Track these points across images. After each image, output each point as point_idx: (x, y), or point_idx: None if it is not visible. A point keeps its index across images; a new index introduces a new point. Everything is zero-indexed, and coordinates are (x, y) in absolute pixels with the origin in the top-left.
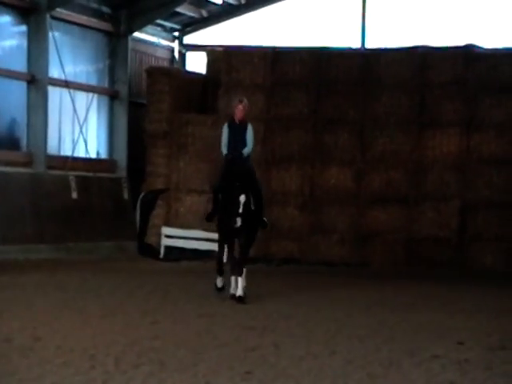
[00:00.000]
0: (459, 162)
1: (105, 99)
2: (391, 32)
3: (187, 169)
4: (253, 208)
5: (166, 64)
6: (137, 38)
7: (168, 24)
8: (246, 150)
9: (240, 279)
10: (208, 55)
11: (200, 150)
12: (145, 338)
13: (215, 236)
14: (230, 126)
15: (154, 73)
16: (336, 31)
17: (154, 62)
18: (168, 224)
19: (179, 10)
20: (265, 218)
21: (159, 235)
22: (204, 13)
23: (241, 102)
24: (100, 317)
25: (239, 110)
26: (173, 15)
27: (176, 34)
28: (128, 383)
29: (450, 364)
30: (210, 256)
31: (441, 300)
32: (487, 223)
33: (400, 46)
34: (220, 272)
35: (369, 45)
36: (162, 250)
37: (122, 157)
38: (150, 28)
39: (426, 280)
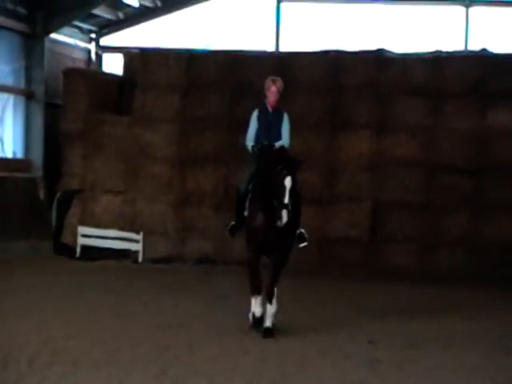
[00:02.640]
0: (371, 164)
1: (21, 99)
2: (305, 36)
3: (103, 169)
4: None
5: (82, 65)
6: (53, 39)
7: (85, 26)
8: (280, 144)
9: (269, 306)
10: (124, 57)
11: (116, 150)
12: (59, 337)
13: (131, 235)
14: (260, 114)
15: (71, 74)
16: (251, 35)
17: (70, 63)
18: (84, 223)
19: (96, 11)
20: (303, 230)
21: (75, 235)
22: (120, 15)
23: (274, 82)
24: (14, 317)
25: (272, 93)
26: (89, 17)
27: (93, 35)
28: (41, 383)
29: (362, 363)
30: (125, 255)
31: (352, 299)
32: (399, 224)
33: (314, 50)
34: (258, 290)
35: (283, 48)
36: (79, 250)
37: (37, 156)
38: (66, 29)
39: (337, 279)
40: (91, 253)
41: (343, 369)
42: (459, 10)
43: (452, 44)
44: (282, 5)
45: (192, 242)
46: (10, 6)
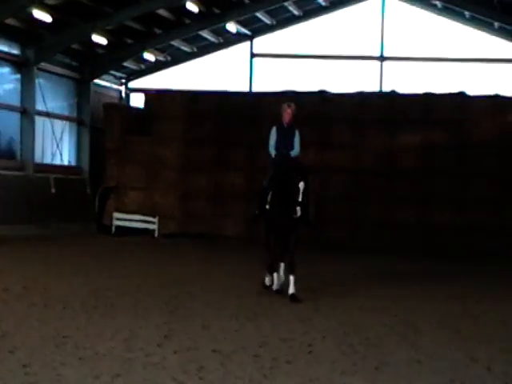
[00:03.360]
0: (316, 170)
1: (74, 125)
2: (271, 82)
3: (131, 173)
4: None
5: (116, 101)
6: (96, 83)
7: (117, 73)
8: (294, 153)
9: (291, 277)
10: (145, 96)
11: (139, 160)
12: (102, 288)
13: (149, 218)
14: (278, 129)
15: (108, 107)
16: (231, 82)
17: (108, 100)
18: (118, 210)
19: (125, 64)
20: (310, 218)
21: (112, 218)
22: (142, 66)
23: (289, 106)
24: (71, 274)
25: (288, 114)
26: (121, 67)
27: (123, 80)
28: (89, 319)
29: (309, 307)
30: (146, 232)
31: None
32: (335, 211)
33: (277, 91)
34: (271, 270)
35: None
36: (114, 229)
37: (85, 164)
38: (105, 76)
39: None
40: (122, 231)
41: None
42: (375, 63)
43: (371, 87)
44: (255, 59)
45: (192, 223)
46: (66, 60)
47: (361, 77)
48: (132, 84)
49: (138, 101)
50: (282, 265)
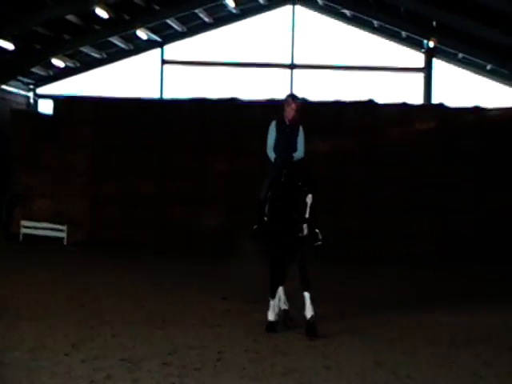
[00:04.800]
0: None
1: None
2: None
3: (39, 180)
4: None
5: (24, 107)
6: (3, 89)
7: (25, 79)
8: (297, 155)
9: (307, 294)
10: (54, 102)
11: (48, 167)
12: (8, 296)
13: (58, 226)
14: (278, 127)
15: (16, 113)
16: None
17: (15, 106)
18: (25, 218)
19: (33, 70)
20: (317, 231)
21: (19, 226)
22: (51, 72)
23: (294, 100)
24: None
25: (291, 109)
26: (29, 73)
27: (31, 86)
28: None
29: (218, 313)
30: (54, 240)
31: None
32: (244, 218)
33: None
34: (273, 293)
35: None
36: (21, 237)
37: None
38: (12, 82)
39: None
40: (30, 239)
41: (205, 318)
42: (286, 71)
43: (281, 95)
44: (165, 66)
45: (102, 231)
46: None
47: (271, 84)
48: (41, 90)
49: (46, 107)
50: (281, 289)
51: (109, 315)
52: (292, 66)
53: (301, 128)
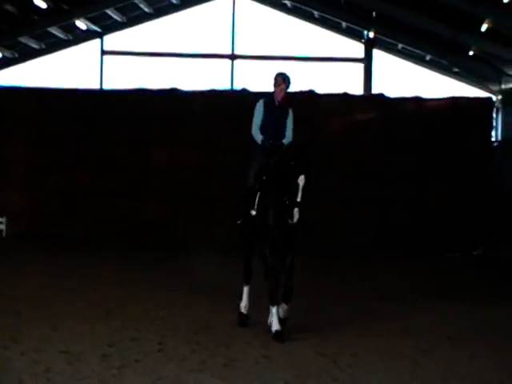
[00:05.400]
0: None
1: None
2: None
3: None
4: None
5: None
6: None
7: None
8: (285, 141)
9: (285, 307)
10: None
11: None
12: None
13: None
14: (266, 107)
15: None
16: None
17: None
18: None
19: None
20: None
21: None
22: None
23: (284, 80)
24: None
25: (280, 90)
26: None
27: None
28: None
29: (161, 305)
30: None
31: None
32: (188, 209)
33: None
34: (275, 299)
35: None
36: None
37: None
38: None
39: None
40: None
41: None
42: (226, 61)
43: (222, 85)
44: (105, 57)
45: (42, 223)
46: None
47: (212, 75)
48: None
49: None
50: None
51: (48, 308)
52: (233, 57)
53: (290, 111)
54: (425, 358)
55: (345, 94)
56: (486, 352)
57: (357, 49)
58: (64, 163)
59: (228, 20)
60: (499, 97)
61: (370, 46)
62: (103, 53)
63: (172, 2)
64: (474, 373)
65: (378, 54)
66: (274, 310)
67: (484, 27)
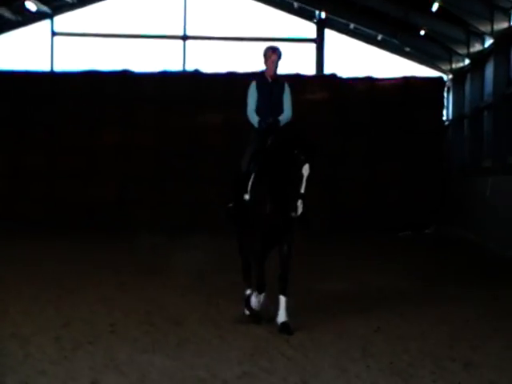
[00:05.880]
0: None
1: None
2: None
3: None
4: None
5: None
6: None
7: None
8: (284, 117)
9: (282, 298)
10: None
11: None
12: None
13: None
14: (259, 86)
15: None
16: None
17: None
18: None
19: None
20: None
21: None
22: None
23: (274, 51)
24: None
25: (272, 62)
26: None
27: None
28: None
29: (113, 287)
30: None
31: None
32: (139, 191)
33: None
34: (261, 288)
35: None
36: None
37: None
38: None
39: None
40: None
41: None
42: (178, 42)
43: (174, 66)
44: (56, 38)
45: None
46: None
47: (164, 56)
48: None
49: None
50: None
51: None
52: (185, 38)
53: (286, 85)
54: (377, 335)
55: (297, 75)
56: (437, 328)
57: (309, 29)
58: (14, 146)
59: (180, 1)
60: (450, 76)
61: (321, 26)
62: (53, 34)
63: None
64: (425, 348)
65: (329, 34)
66: (253, 300)
67: (435, 6)
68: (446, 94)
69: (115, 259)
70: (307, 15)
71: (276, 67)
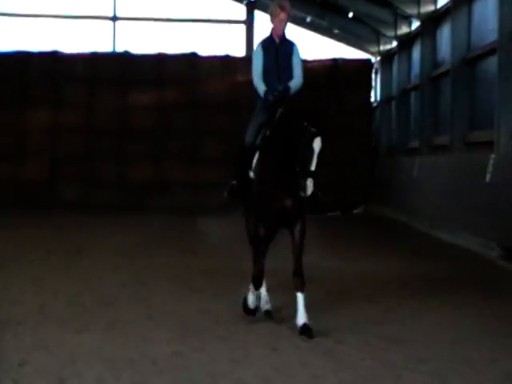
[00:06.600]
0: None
1: None
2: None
3: None
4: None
5: None
6: None
7: None
8: (295, 84)
9: (300, 296)
10: None
11: None
12: None
13: None
14: (265, 48)
15: None
16: None
17: None
18: None
19: None
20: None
21: None
22: None
23: (283, 8)
24: None
25: (281, 22)
26: None
27: None
28: None
29: (41, 267)
30: None
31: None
32: (69, 170)
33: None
34: (258, 284)
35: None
36: None
37: None
38: None
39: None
40: None
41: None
42: (108, 23)
43: (104, 47)
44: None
45: None
46: None
47: (94, 37)
48: None
49: None
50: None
51: None
52: (114, 19)
53: (295, 46)
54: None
55: (227, 56)
56: (367, 304)
57: (239, 10)
58: None
59: None
60: (378, 58)
61: (251, 7)
62: None
63: None
64: (354, 327)
65: (259, 16)
66: (250, 296)
67: None
68: (374, 76)
69: (44, 239)
70: None
71: (284, 26)
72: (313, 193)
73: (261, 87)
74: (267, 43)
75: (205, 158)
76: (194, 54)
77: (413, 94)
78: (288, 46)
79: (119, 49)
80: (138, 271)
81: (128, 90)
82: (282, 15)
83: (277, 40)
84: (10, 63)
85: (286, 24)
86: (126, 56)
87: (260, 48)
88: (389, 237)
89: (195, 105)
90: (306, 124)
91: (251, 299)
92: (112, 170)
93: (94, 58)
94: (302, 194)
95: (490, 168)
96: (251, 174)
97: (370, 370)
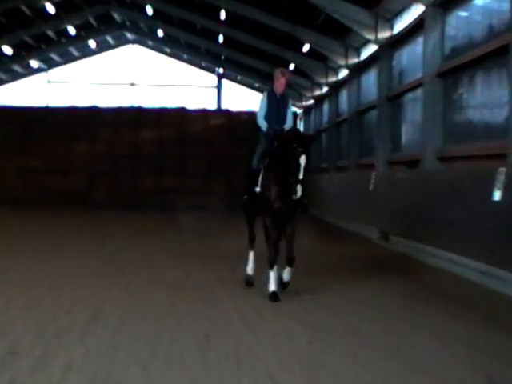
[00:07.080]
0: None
1: None
2: None
3: None
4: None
5: None
6: None
7: None
8: (287, 126)
9: (289, 269)
10: None
11: None
12: None
13: None
14: (269, 98)
15: None
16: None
17: None
18: None
19: None
20: (305, 201)
21: None
22: None
23: (283, 74)
24: None
25: (281, 84)
26: None
27: None
28: None
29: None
30: None
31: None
32: (101, 183)
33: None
34: (272, 263)
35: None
36: None
37: None
38: None
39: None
40: None
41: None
42: (128, 87)
43: (124, 103)
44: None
45: None
46: None
47: (118, 96)
48: None
49: None
50: (251, 255)
51: None
52: (132, 85)
53: (289, 100)
54: (265, 304)
55: (204, 109)
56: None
57: (211, 79)
58: None
59: (128, 56)
60: (312, 101)
61: (220, 77)
62: (48, 82)
63: None
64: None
65: (225, 83)
66: (271, 273)
67: (305, 47)
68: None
69: (84, 226)
70: (211, 70)
71: (283, 87)
72: (302, 197)
73: (263, 124)
74: (270, 94)
75: (189, 172)
76: (182, 108)
77: (323, 134)
78: (285, 100)
79: (135, 104)
80: (147, 245)
81: (139, 129)
82: (283, 80)
83: (278, 94)
84: (59, 114)
85: (284, 85)
86: (139, 108)
87: (266, 97)
88: (308, 225)
89: (183, 139)
90: (294, 145)
91: (271, 275)
92: (128, 182)
93: (118, 110)
94: (294, 197)
95: (372, 180)
96: (257, 189)
97: None
